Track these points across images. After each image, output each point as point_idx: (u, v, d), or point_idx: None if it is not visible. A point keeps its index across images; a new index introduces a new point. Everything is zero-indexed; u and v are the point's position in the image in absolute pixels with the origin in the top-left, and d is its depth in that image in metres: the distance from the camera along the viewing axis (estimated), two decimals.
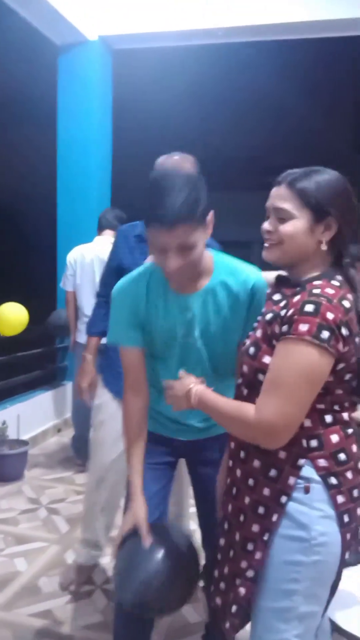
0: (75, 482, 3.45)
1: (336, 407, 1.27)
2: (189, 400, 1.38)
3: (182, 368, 1.50)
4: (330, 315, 1.16)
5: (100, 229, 3.57)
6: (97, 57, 4.27)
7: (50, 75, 4.39)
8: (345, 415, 1.29)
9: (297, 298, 1.22)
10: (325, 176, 1.30)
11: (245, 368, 1.33)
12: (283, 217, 1.28)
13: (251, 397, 1.30)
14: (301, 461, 1.25)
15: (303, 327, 1.16)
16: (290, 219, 1.27)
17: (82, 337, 3.47)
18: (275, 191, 1.31)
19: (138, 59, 4.68)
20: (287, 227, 1.28)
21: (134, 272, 1.58)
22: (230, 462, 1.42)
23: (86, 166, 4.37)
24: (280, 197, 1.29)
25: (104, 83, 4.41)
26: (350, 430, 1.29)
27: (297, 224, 1.27)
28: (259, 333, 1.31)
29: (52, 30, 4.03)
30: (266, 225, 1.32)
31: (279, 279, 1.38)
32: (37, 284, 5.41)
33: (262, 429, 1.21)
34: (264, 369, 1.25)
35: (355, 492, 1.26)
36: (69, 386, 4.52)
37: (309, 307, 1.18)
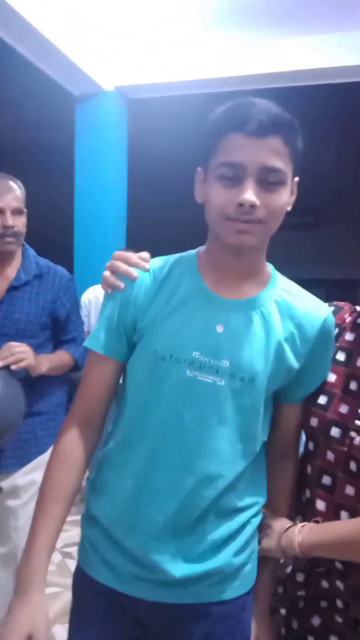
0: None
1: None
2: (292, 545, 0.99)
3: (184, 431, 0.97)
4: None
5: None
6: (113, 106, 4.42)
7: (69, 124, 4.54)
8: None
9: None
10: None
11: None
12: None
13: None
14: None
15: None
16: None
17: None
18: None
19: (153, 107, 4.83)
20: None
21: (155, 259, 1.07)
22: (338, 618, 1.04)
23: (103, 211, 4.46)
24: None
25: (120, 131, 4.54)
26: None
27: None
28: None
29: (70, 81, 4.19)
30: None
31: None
32: None
33: None
34: None
35: None
36: None
37: None
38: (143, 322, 1.01)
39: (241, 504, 1.03)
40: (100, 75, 4.21)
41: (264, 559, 1.09)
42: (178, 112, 4.95)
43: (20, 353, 1.70)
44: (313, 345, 1.02)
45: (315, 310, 1.03)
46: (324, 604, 1.10)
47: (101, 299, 4.18)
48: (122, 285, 1.02)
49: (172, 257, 1.07)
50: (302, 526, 1.02)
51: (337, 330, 1.11)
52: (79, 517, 1.14)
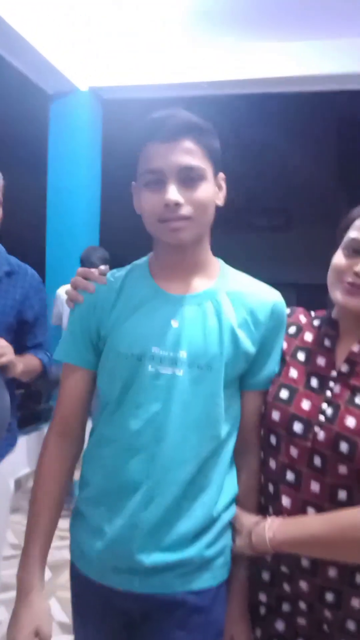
0: (60, 527, 3.37)
1: None
2: (263, 541, 1.01)
3: (150, 422, 1.03)
4: None
5: None
6: (88, 106, 4.41)
7: (42, 122, 4.51)
8: None
9: None
10: None
11: (343, 469, 1.00)
12: None
13: (354, 502, 1.00)
14: None
15: None
16: None
17: None
18: None
19: (127, 109, 4.83)
20: None
21: (113, 270, 1.17)
22: (331, 596, 1.02)
23: (75, 210, 4.45)
24: None
25: (94, 131, 4.54)
26: None
27: None
28: (350, 423, 1.00)
29: (44, 80, 4.17)
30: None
31: None
32: None
33: None
34: None
35: None
36: None
37: None
38: (105, 328, 1.09)
39: (210, 493, 1.07)
40: (75, 74, 4.20)
41: (237, 557, 1.11)
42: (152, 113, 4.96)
43: (1, 347, 1.56)
44: (266, 329, 1.09)
45: (265, 296, 1.11)
46: (286, 607, 1.10)
47: None
48: (80, 298, 1.12)
49: (128, 267, 1.16)
50: (272, 521, 1.03)
51: (295, 328, 1.18)
52: None
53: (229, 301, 1.08)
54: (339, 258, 1.09)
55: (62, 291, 3.56)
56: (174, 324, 1.05)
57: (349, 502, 1.00)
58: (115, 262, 3.61)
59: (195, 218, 1.02)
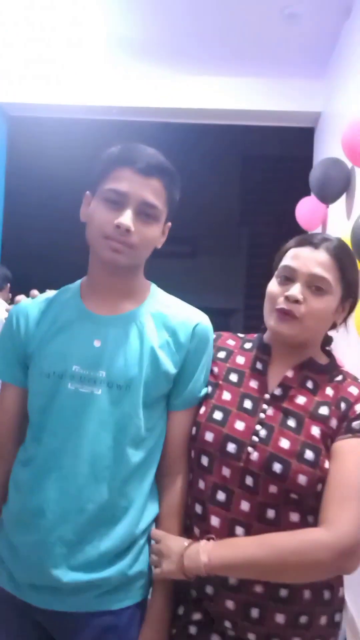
0: None
1: None
2: (197, 566, 0.99)
3: (67, 441, 1.04)
4: None
5: None
6: None
7: None
8: None
9: (355, 390, 1.09)
10: (351, 252, 1.13)
11: (302, 479, 1.02)
12: (321, 287, 1.08)
13: (281, 520, 1.03)
14: None
15: None
16: (327, 294, 1.09)
17: None
18: (311, 254, 1.09)
19: (35, 126, 4.76)
20: (322, 303, 1.09)
21: (48, 292, 1.21)
22: (256, 612, 1.03)
23: None
24: (321, 264, 1.08)
25: None
26: None
27: (330, 301, 1.10)
28: (315, 431, 1.05)
29: None
30: (297, 293, 1.07)
31: (306, 363, 1.13)
32: None
33: (347, 549, 0.95)
34: (325, 476, 1.02)
35: None
36: None
37: None
38: (31, 347, 1.11)
39: (132, 513, 1.07)
40: None
41: (158, 580, 1.09)
42: (61, 133, 4.92)
43: None
44: (188, 350, 1.12)
45: (188, 319, 1.14)
46: (214, 626, 1.09)
47: None
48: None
49: (62, 288, 1.19)
50: (205, 545, 1.02)
51: (225, 353, 1.22)
52: None
53: (153, 323, 1.11)
54: (272, 285, 1.14)
55: None
56: (97, 343, 1.07)
57: (276, 521, 1.03)
58: (17, 282, 3.50)
59: (136, 249, 1.06)
